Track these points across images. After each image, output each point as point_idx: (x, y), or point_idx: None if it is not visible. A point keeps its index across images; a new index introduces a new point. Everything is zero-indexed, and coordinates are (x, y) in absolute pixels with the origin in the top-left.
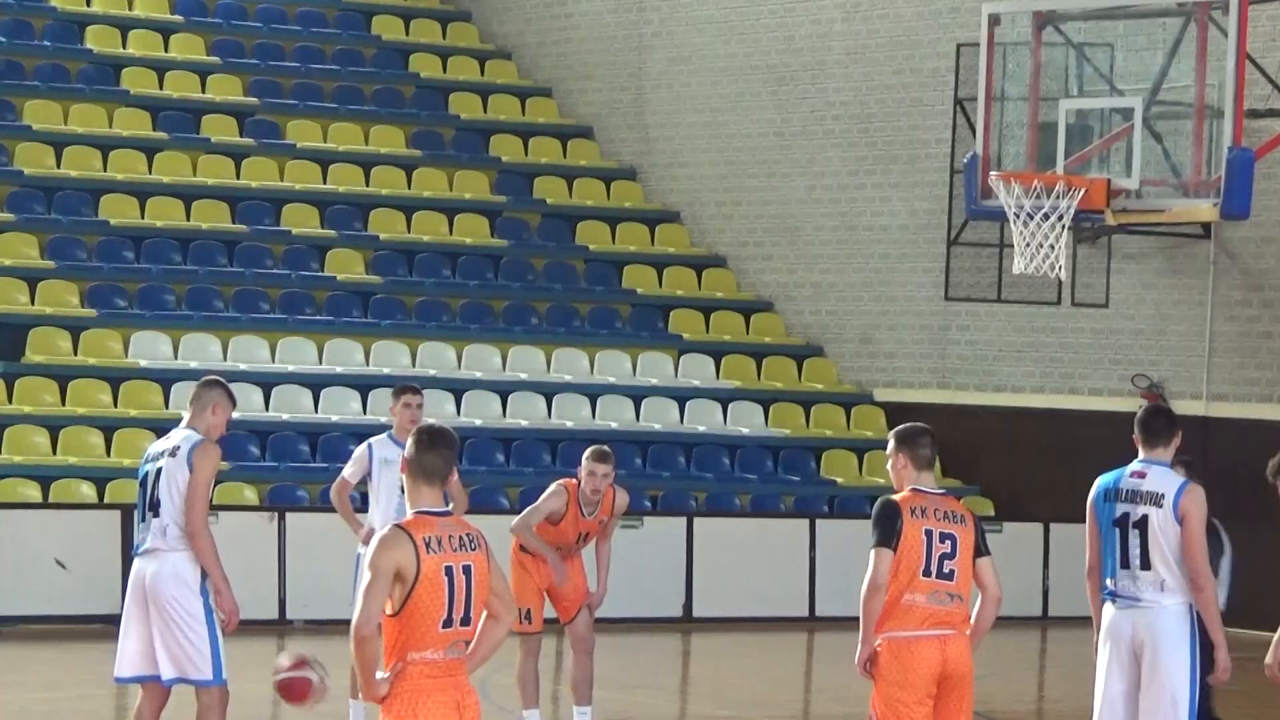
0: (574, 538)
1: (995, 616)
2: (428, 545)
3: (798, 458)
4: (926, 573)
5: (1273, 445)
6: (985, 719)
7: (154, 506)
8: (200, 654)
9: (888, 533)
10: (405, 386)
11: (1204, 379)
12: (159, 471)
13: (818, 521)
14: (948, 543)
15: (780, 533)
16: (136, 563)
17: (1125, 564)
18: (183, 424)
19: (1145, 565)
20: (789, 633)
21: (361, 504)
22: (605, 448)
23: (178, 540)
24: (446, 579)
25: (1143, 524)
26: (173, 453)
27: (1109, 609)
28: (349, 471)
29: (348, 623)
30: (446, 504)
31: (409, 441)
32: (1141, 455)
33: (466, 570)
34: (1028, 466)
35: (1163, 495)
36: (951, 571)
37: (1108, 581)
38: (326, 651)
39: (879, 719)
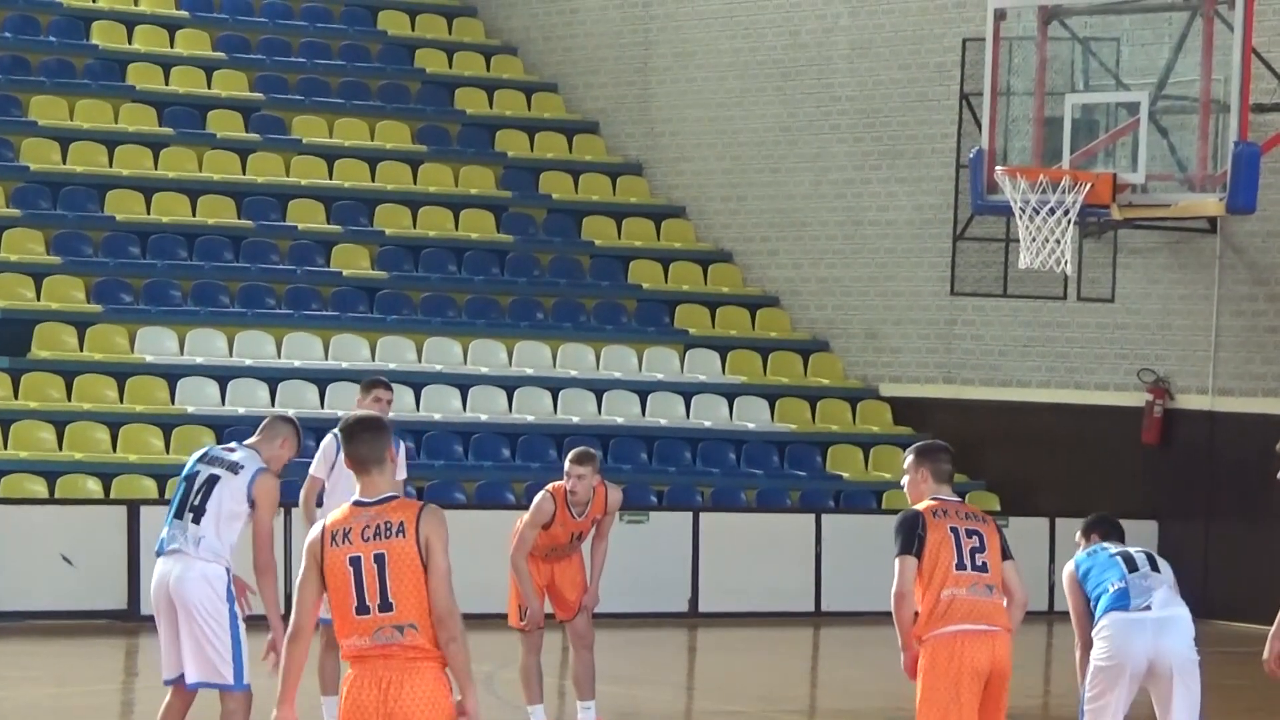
0: (566, 540)
1: (1021, 620)
2: (333, 538)
3: (804, 453)
4: (960, 566)
5: (1278, 440)
6: None
7: (196, 513)
8: (223, 659)
9: (909, 539)
10: (375, 380)
11: (1210, 374)
12: (211, 480)
13: (824, 516)
14: (975, 538)
15: (786, 528)
16: (161, 563)
17: None
18: (248, 442)
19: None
20: (795, 628)
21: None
22: (586, 449)
23: (210, 553)
24: (352, 569)
25: None
26: (233, 469)
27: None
28: (317, 468)
29: None
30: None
31: (333, 435)
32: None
33: (379, 559)
34: (1033, 461)
35: None
36: (985, 564)
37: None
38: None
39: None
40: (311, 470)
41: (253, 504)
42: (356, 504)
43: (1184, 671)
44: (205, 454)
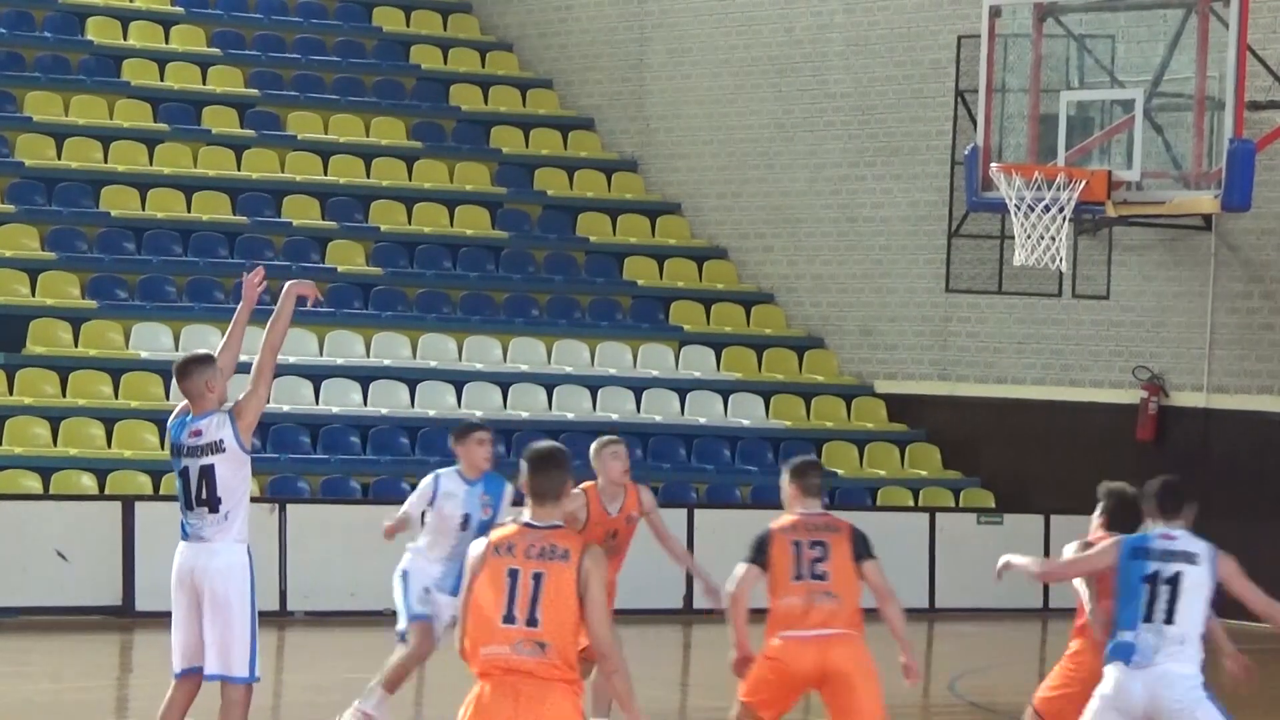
0: (603, 538)
1: (903, 612)
2: (497, 549)
3: (798, 449)
4: (798, 576)
5: (1273, 437)
6: (987, 711)
7: (210, 504)
8: (242, 651)
9: (754, 551)
10: (473, 425)
11: (1204, 371)
12: (205, 470)
13: None
14: (818, 548)
15: None
16: (184, 549)
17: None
18: (198, 410)
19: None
20: None
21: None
22: (613, 436)
23: (233, 539)
24: (509, 579)
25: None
26: (216, 449)
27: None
28: (413, 505)
29: (348, 615)
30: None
31: (523, 463)
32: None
33: (537, 577)
34: (1028, 458)
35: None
36: (824, 573)
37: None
38: (325, 643)
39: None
40: (406, 509)
41: (240, 435)
42: (526, 525)
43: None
44: (179, 445)
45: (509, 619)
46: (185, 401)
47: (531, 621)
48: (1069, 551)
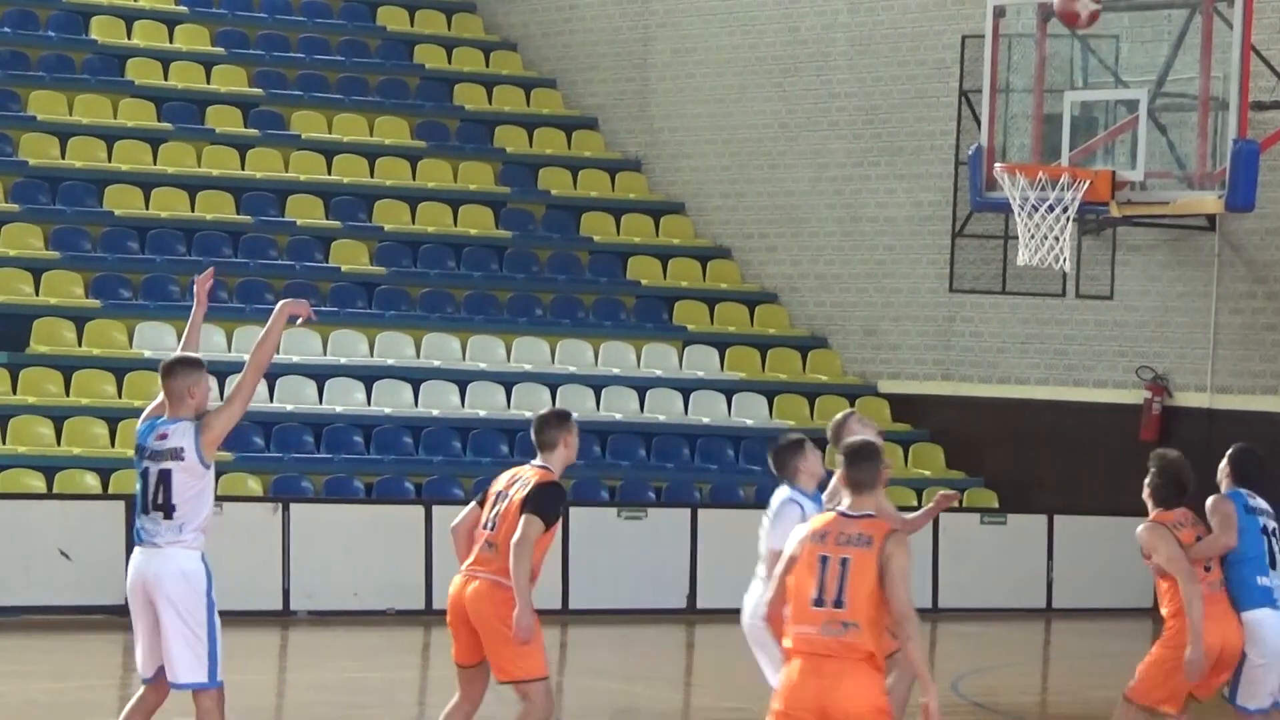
0: None
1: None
2: (814, 536)
3: None
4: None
5: (1277, 438)
6: (990, 711)
7: (165, 510)
8: (197, 657)
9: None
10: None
11: (1208, 371)
12: (163, 475)
13: None
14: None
15: None
16: (137, 555)
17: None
18: (169, 414)
19: None
20: None
21: None
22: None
23: (186, 544)
24: (820, 565)
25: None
26: (176, 455)
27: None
28: (775, 539)
29: (351, 614)
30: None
31: (839, 456)
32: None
33: (844, 562)
34: (1032, 459)
35: None
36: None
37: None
38: (328, 643)
39: None
40: (772, 545)
41: (202, 448)
42: (841, 514)
43: None
44: (143, 446)
45: (818, 602)
46: (158, 401)
47: (838, 603)
48: (1157, 536)
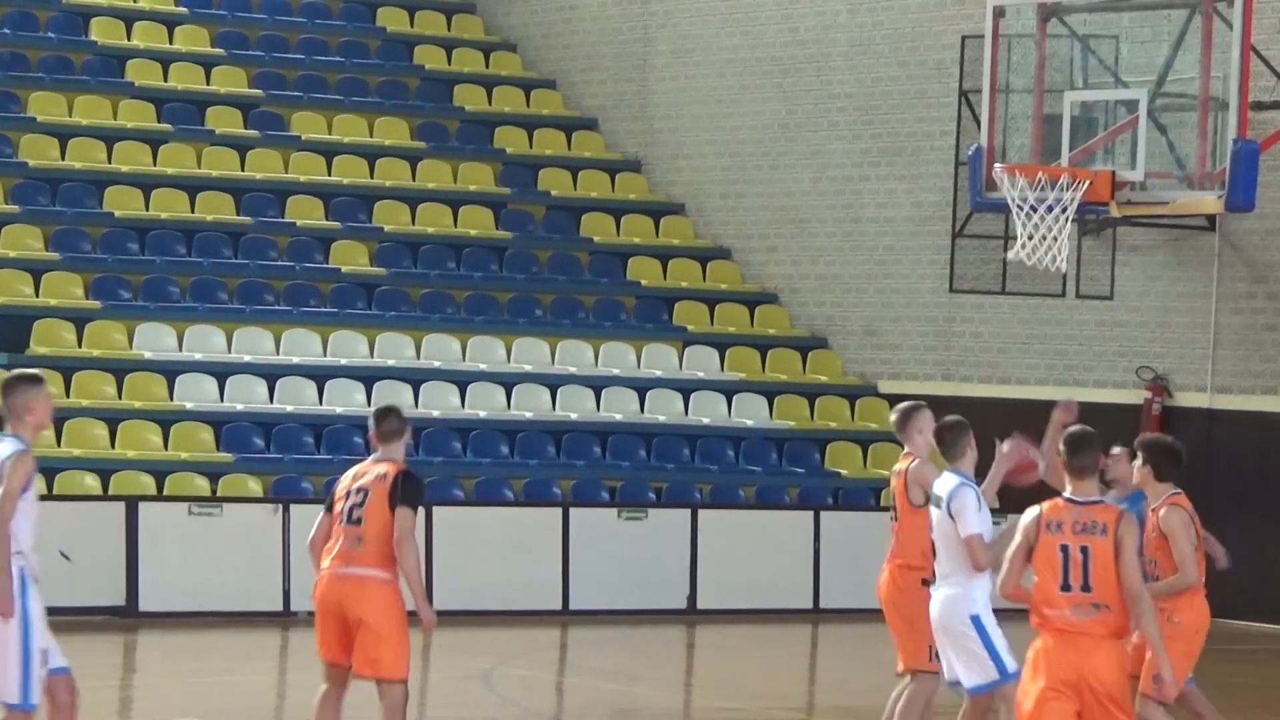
0: None
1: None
2: (1048, 526)
3: (802, 450)
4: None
5: (1277, 438)
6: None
7: None
8: (11, 675)
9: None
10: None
11: (1208, 371)
12: None
13: (822, 514)
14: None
15: (785, 525)
16: None
17: None
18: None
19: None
20: (793, 625)
21: None
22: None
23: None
24: (1061, 554)
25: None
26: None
27: None
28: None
29: None
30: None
31: (1061, 445)
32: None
33: (1084, 550)
34: None
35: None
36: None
37: None
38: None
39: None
40: (968, 530)
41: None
42: (1068, 500)
43: None
44: None
45: (1065, 587)
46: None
47: (1085, 588)
48: (1178, 523)
